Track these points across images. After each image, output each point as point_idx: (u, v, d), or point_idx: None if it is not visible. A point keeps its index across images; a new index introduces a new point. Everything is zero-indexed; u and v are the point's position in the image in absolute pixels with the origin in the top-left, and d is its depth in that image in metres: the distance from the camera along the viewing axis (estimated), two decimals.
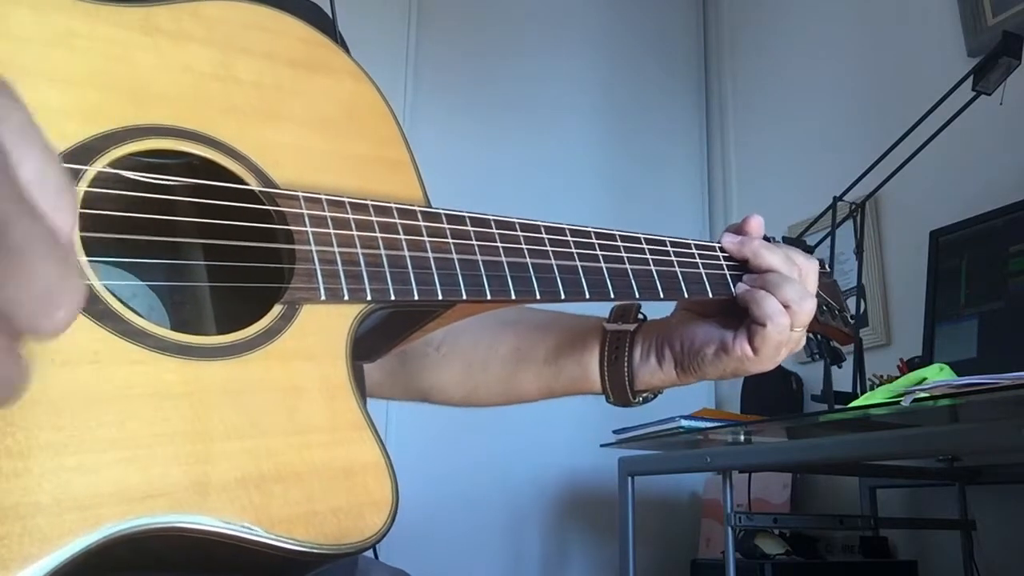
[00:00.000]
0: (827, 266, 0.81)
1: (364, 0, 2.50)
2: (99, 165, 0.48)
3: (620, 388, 0.75)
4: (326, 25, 0.75)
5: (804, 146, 2.66)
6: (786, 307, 0.68)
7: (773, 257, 0.71)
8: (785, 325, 0.68)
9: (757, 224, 0.74)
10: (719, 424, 1.75)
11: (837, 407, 1.61)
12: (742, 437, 1.75)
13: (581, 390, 0.79)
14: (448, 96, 2.65)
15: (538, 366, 0.79)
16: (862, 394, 1.65)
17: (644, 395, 0.77)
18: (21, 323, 0.31)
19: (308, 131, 0.57)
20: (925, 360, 1.81)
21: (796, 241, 1.92)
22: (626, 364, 0.75)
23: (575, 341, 0.78)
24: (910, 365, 1.82)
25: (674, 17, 3.13)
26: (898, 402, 1.28)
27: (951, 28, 2.23)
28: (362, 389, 0.61)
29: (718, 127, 3.05)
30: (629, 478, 1.88)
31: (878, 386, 1.55)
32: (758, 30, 2.94)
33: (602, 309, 0.77)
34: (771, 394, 2.27)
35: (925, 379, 1.33)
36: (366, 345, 0.58)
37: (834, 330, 0.81)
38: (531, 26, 2.82)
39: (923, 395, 1.25)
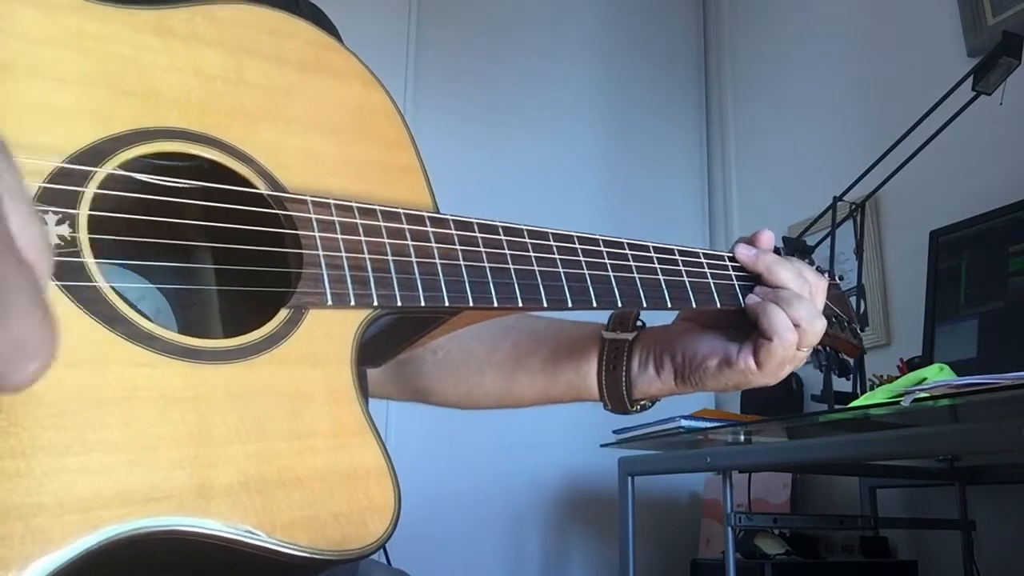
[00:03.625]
0: (836, 277, 0.81)
1: (364, 1, 2.50)
2: (109, 167, 0.48)
3: (617, 397, 0.75)
4: (325, 24, 0.75)
5: (804, 146, 2.66)
6: (796, 325, 0.67)
7: (786, 273, 0.70)
8: (792, 342, 0.67)
9: (768, 238, 0.74)
10: (719, 424, 1.75)
11: (837, 407, 1.61)
12: (742, 437, 1.75)
13: (578, 397, 0.78)
14: (448, 98, 2.65)
15: (535, 372, 0.79)
16: (862, 394, 1.65)
17: (642, 403, 0.76)
18: None
19: (317, 135, 0.57)
20: (925, 360, 1.81)
21: (796, 241, 1.92)
22: (624, 374, 0.75)
23: (573, 348, 0.78)
24: (910, 365, 1.82)
25: (674, 19, 3.13)
26: (898, 402, 1.28)
27: (951, 28, 2.23)
28: (366, 394, 0.61)
29: (718, 128, 3.05)
30: (629, 478, 1.88)
31: (878, 386, 1.55)
32: (758, 31, 2.94)
33: (604, 315, 0.77)
34: (771, 394, 2.27)
35: (925, 379, 1.33)
36: (371, 351, 0.58)
37: (843, 342, 0.80)
38: (531, 28, 2.82)
39: (923, 395, 1.25)
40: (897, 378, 1.54)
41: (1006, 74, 1.71)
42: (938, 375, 1.37)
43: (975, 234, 1.85)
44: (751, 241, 0.74)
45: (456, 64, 2.69)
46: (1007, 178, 1.98)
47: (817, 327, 0.68)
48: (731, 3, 3.10)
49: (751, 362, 0.69)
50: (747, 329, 0.70)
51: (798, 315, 0.67)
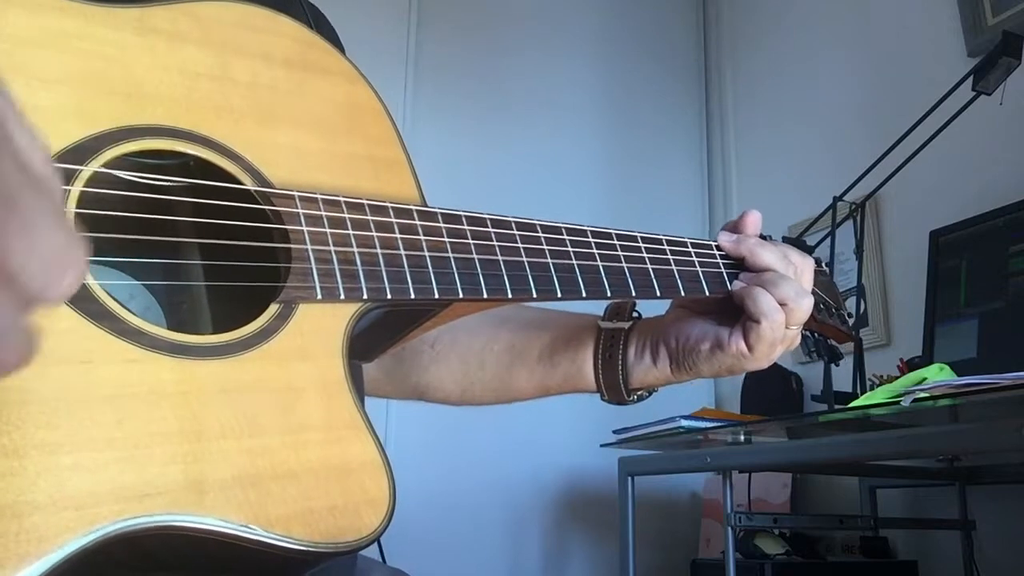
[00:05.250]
0: (824, 264, 0.81)
1: (364, 0, 2.50)
2: (95, 165, 0.48)
3: (614, 386, 0.75)
4: (325, 25, 0.75)
5: (804, 146, 2.66)
6: (782, 305, 0.68)
7: (769, 255, 0.71)
8: (780, 322, 0.68)
9: (754, 220, 0.74)
10: (719, 424, 1.75)
11: (837, 407, 1.60)
12: (742, 437, 1.75)
13: (576, 388, 0.78)
14: (448, 95, 2.65)
15: (533, 363, 0.79)
16: (862, 394, 1.64)
17: (639, 393, 0.76)
18: (33, 289, 0.31)
19: (303, 131, 0.57)
20: (925, 360, 1.81)
21: (796, 241, 1.92)
22: (620, 362, 0.75)
23: (570, 339, 0.78)
24: (910, 365, 1.82)
25: (674, 17, 3.13)
26: (898, 402, 1.28)
27: (951, 28, 2.22)
28: (359, 388, 0.61)
29: (718, 127, 3.05)
30: (629, 478, 1.88)
31: (878, 386, 1.55)
32: (758, 30, 2.94)
33: (598, 307, 0.77)
34: (771, 394, 2.27)
35: (925, 379, 1.33)
36: (363, 344, 0.58)
37: (831, 328, 0.81)
38: (531, 25, 2.82)
39: (923, 395, 1.25)
40: (897, 378, 1.54)
41: (1006, 74, 1.71)
42: (938, 375, 1.37)
43: (975, 234, 1.85)
44: (736, 225, 0.74)
45: (456, 61, 2.69)
46: (1007, 178, 1.98)
47: (804, 305, 0.68)
48: (731, 1, 3.10)
49: (742, 345, 0.69)
50: (739, 312, 0.70)
51: (784, 294, 0.68)
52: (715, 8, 3.15)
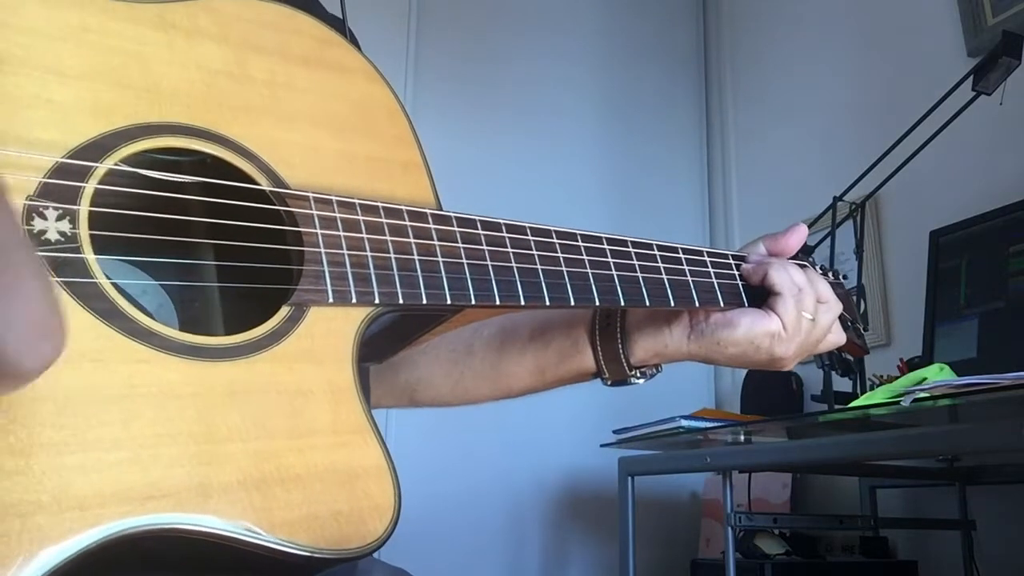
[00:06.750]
0: (841, 277, 0.80)
1: (364, 1, 2.49)
2: (110, 162, 0.47)
3: (614, 358, 0.70)
4: (337, 24, 0.75)
5: (804, 146, 2.66)
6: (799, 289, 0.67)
7: (785, 274, 0.69)
8: (796, 294, 0.67)
9: (799, 237, 0.73)
10: (719, 424, 1.74)
11: (837, 407, 1.61)
12: (742, 437, 1.75)
13: (573, 368, 0.73)
14: (448, 100, 2.64)
15: (524, 343, 0.74)
16: (862, 394, 1.65)
17: (642, 370, 0.71)
18: (7, 357, 0.30)
19: (320, 131, 0.57)
20: (925, 360, 1.81)
21: None
22: (619, 329, 0.70)
23: (563, 313, 0.73)
24: (910, 365, 1.82)
25: (674, 19, 3.12)
26: (898, 402, 1.28)
27: (951, 28, 2.22)
28: (367, 393, 0.60)
29: (718, 127, 3.05)
30: (629, 478, 1.87)
31: (878, 386, 1.55)
32: (758, 31, 2.94)
33: None
34: (771, 394, 2.27)
35: (925, 379, 1.33)
36: (373, 348, 0.57)
37: (848, 340, 0.80)
38: (531, 29, 2.82)
39: (923, 395, 1.24)
40: (897, 378, 1.54)
41: (1006, 74, 1.71)
42: (938, 375, 1.37)
43: (975, 234, 1.85)
44: (780, 240, 0.73)
45: (456, 66, 2.69)
46: (1007, 178, 1.98)
47: (820, 286, 0.68)
48: (731, 2, 3.09)
49: (778, 321, 0.67)
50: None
51: (793, 276, 0.68)
52: (715, 10, 3.14)
